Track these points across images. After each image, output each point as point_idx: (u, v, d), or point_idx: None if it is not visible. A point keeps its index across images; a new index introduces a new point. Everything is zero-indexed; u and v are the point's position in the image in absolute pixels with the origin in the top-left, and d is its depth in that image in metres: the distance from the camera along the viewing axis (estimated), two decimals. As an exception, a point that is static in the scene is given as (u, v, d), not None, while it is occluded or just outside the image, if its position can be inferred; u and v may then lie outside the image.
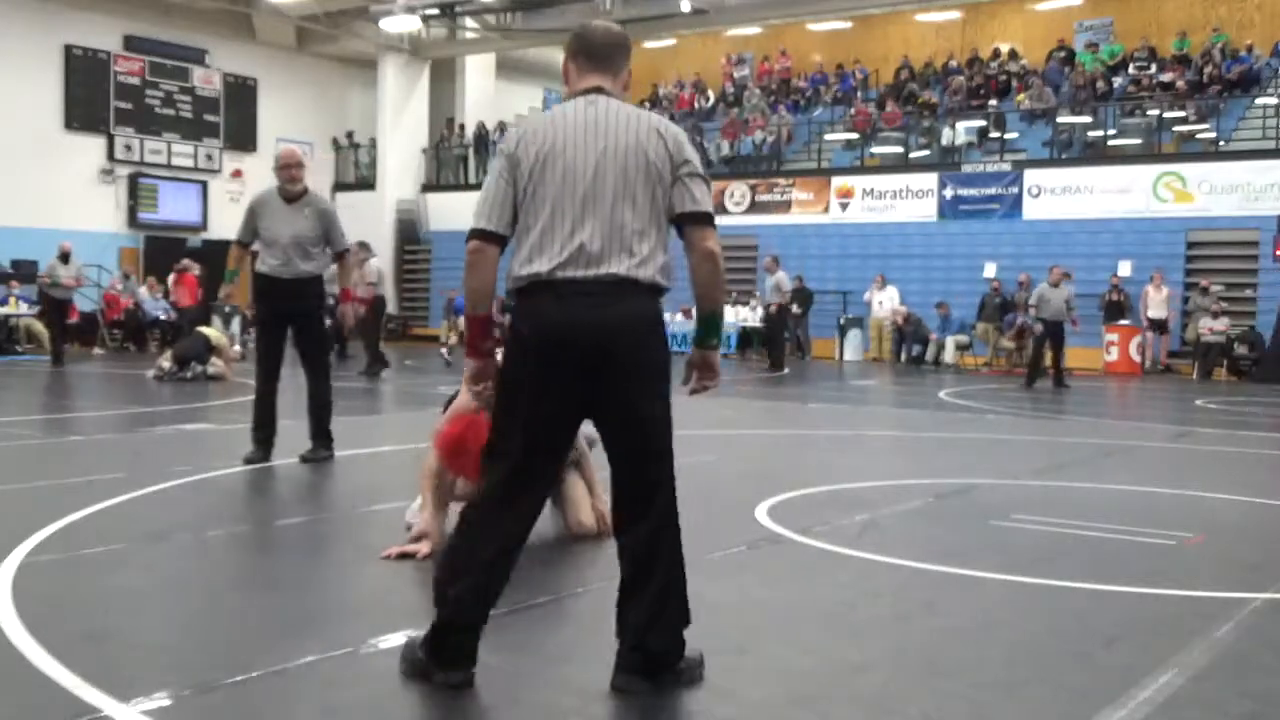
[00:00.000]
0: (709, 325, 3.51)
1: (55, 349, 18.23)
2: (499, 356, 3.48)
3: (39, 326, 19.54)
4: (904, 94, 26.46)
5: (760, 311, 24.23)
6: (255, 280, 7.83)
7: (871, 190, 24.26)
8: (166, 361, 15.16)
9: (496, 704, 3.34)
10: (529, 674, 3.58)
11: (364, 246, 18.43)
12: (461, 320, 19.35)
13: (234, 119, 28.55)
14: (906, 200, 23.77)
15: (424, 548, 5.03)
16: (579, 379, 3.30)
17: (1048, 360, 17.07)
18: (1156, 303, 20.38)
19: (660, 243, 3.37)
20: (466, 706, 3.32)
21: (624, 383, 3.33)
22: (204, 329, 15.97)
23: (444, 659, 3.38)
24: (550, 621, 4.19)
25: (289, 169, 7.74)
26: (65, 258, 18.32)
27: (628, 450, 3.40)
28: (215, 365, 15.10)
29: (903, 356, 22.51)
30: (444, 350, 19.83)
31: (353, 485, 7.43)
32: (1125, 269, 21.12)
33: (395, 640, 3.81)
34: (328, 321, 8.38)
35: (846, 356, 23.20)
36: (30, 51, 24.78)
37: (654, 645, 3.39)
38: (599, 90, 3.43)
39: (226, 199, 26.85)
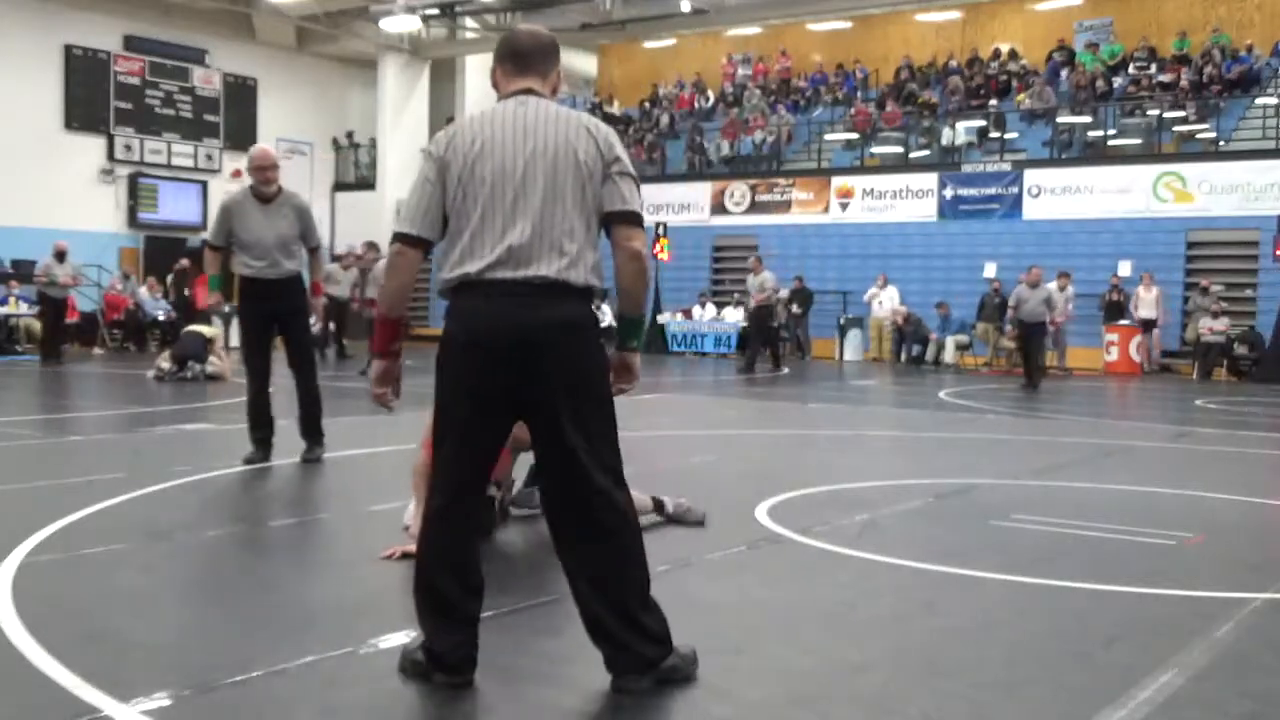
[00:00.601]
0: (630, 327, 3.54)
1: (47, 347, 18.23)
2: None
3: (39, 326, 19.54)
4: (904, 94, 26.46)
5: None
6: (239, 283, 7.81)
7: (871, 190, 24.26)
8: (166, 362, 15.16)
9: (497, 704, 3.34)
10: (529, 674, 3.58)
11: (372, 247, 18.47)
12: None
13: (234, 119, 28.56)
14: (906, 200, 23.78)
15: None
16: (508, 380, 3.27)
17: (1049, 360, 17.15)
18: (1146, 303, 20.40)
19: (590, 242, 3.35)
20: (467, 706, 3.32)
21: (552, 386, 3.28)
22: (198, 327, 15.94)
23: (444, 662, 3.38)
24: (551, 621, 4.19)
25: (264, 170, 7.72)
26: (61, 256, 18.32)
27: (558, 456, 3.33)
28: (214, 364, 15.10)
29: (903, 356, 22.52)
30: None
31: (352, 485, 7.43)
32: (1125, 269, 21.13)
33: (395, 640, 3.82)
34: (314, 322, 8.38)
35: (846, 356, 23.21)
36: (30, 51, 24.78)
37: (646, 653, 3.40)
38: (529, 92, 3.43)
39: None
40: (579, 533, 3.37)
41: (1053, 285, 16.56)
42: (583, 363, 3.32)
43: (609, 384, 3.42)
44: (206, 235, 8.02)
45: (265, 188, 7.71)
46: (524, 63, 3.47)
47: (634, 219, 3.38)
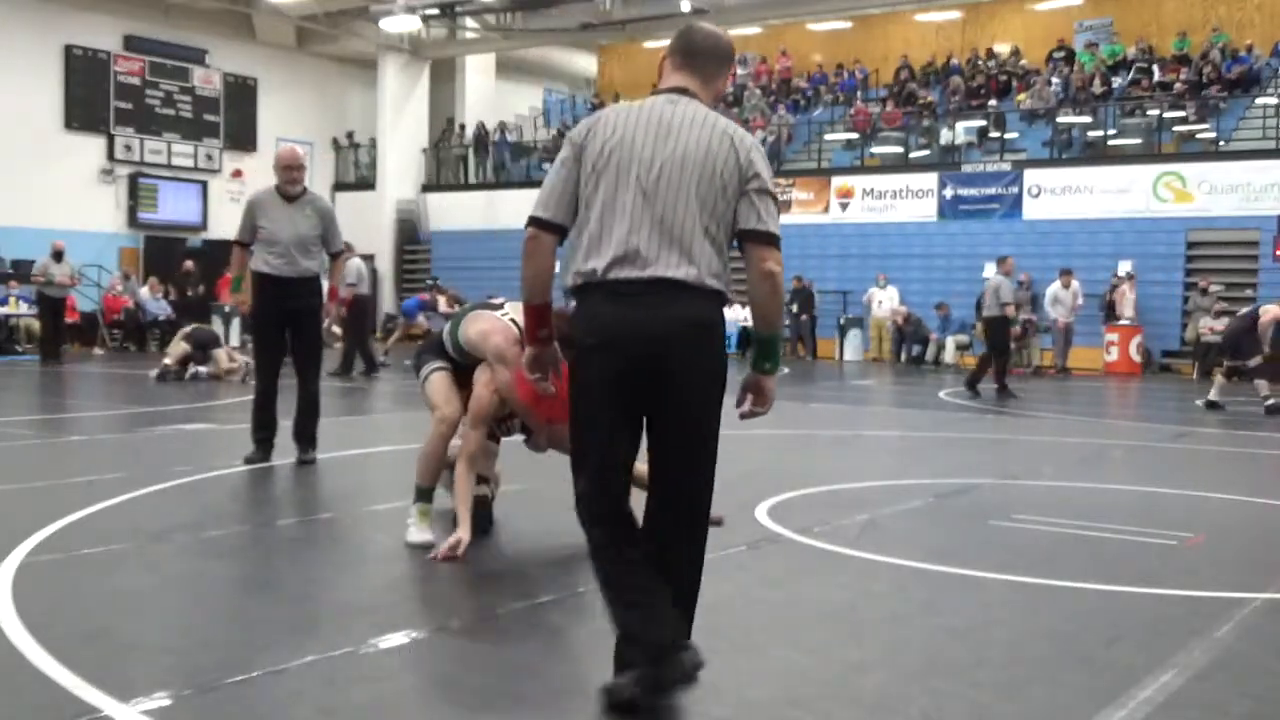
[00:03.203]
0: (765, 348, 3.39)
1: (46, 347, 18.23)
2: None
3: (38, 326, 19.54)
4: (904, 94, 26.47)
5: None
6: (255, 279, 7.83)
7: (871, 190, 24.26)
8: (169, 359, 15.18)
9: (499, 703, 3.33)
10: (531, 673, 3.58)
11: (347, 246, 18.31)
12: (409, 323, 19.09)
13: (234, 119, 28.56)
14: (906, 200, 23.78)
15: (463, 540, 5.04)
16: (633, 382, 3.21)
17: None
18: (1130, 302, 20.38)
19: (717, 252, 3.26)
20: (469, 706, 3.32)
21: (674, 388, 3.23)
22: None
23: (666, 664, 3.22)
24: (552, 621, 4.19)
25: (290, 169, 7.75)
26: (59, 256, 18.31)
27: (669, 460, 3.31)
28: (217, 363, 15.10)
29: (903, 356, 22.52)
30: (383, 358, 18.14)
31: (352, 485, 7.43)
32: (1125, 269, 21.13)
33: (395, 640, 3.82)
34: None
35: (846, 356, 23.21)
36: (30, 51, 24.78)
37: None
38: (683, 91, 3.34)
39: (226, 199, 26.85)
40: (676, 534, 3.34)
41: (998, 277, 15.09)
42: (705, 361, 3.27)
43: (723, 391, 3.35)
44: (234, 235, 8.01)
45: (290, 187, 7.74)
46: (690, 60, 3.39)
47: (768, 239, 3.27)
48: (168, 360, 15.19)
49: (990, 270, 21.72)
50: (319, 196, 8.12)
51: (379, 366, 16.50)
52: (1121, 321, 20.39)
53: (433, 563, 4.98)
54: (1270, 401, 13.09)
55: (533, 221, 3.26)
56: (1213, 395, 13.65)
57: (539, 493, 6.26)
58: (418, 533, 5.28)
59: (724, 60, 3.43)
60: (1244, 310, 14.63)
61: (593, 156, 3.22)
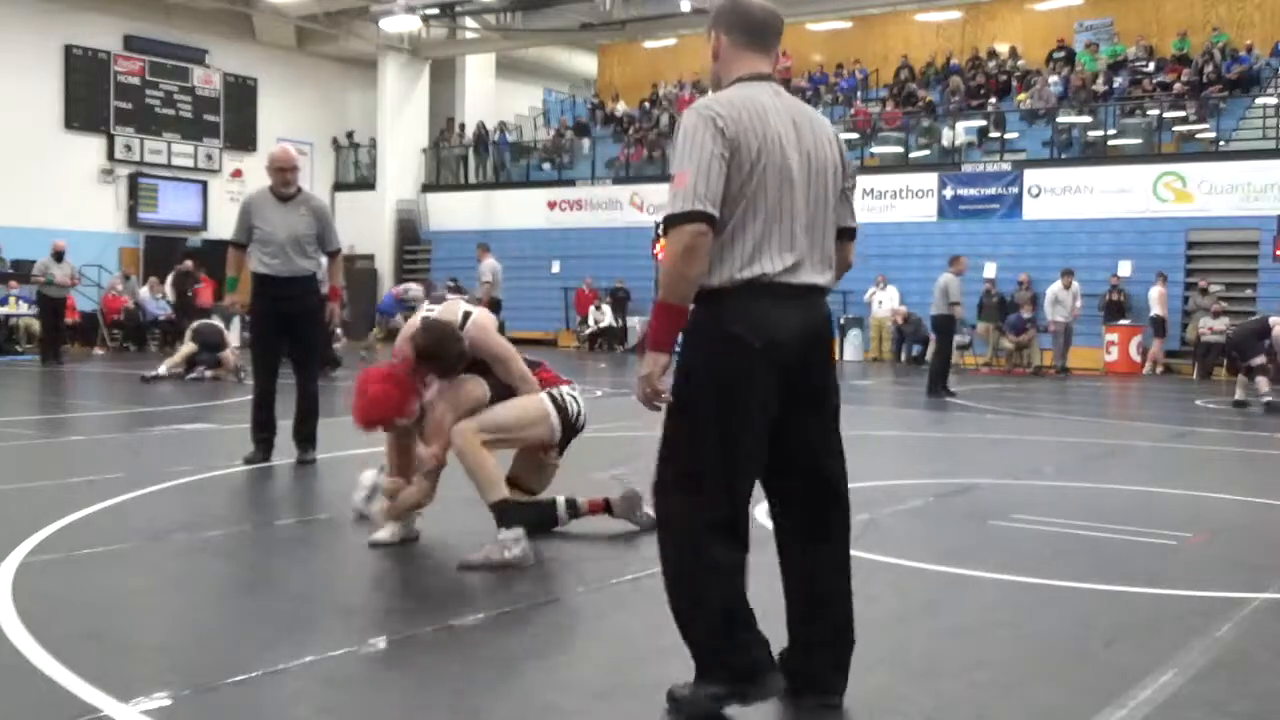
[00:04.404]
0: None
1: (45, 348, 18.22)
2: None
3: (39, 326, 19.54)
4: (904, 94, 26.47)
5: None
6: (253, 280, 7.83)
7: (871, 190, 24.25)
8: (175, 359, 15.16)
9: (498, 704, 3.33)
10: (530, 674, 3.58)
11: (480, 247, 18.65)
12: (389, 321, 18.94)
13: (234, 119, 28.56)
14: (906, 200, 23.78)
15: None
16: (786, 381, 3.15)
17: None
18: (1163, 301, 20.33)
19: (834, 248, 3.33)
20: (468, 706, 3.32)
21: (818, 386, 3.24)
22: (215, 322, 15.84)
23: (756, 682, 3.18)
24: (552, 622, 4.19)
25: (284, 170, 7.74)
26: (59, 256, 18.30)
27: (819, 458, 3.29)
28: (225, 364, 15.07)
29: (903, 356, 22.51)
30: (364, 354, 18.46)
31: (352, 485, 7.41)
32: (1125, 269, 21.13)
33: (395, 640, 3.82)
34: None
35: (846, 356, 23.19)
36: (30, 51, 24.77)
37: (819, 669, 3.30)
38: (768, 77, 3.22)
39: (226, 199, 26.84)
40: (814, 533, 3.34)
41: (947, 275, 14.85)
42: (832, 363, 3.32)
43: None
44: (230, 236, 8.01)
45: (284, 188, 7.73)
46: (762, 41, 3.25)
47: (854, 235, 3.43)
48: (174, 360, 15.13)
49: (990, 270, 21.81)
50: (314, 196, 8.12)
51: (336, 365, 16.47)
52: (1154, 315, 20.33)
53: (431, 563, 4.98)
54: (1268, 399, 13.12)
55: (705, 218, 3.01)
56: (1239, 395, 13.81)
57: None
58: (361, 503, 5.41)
59: (780, 35, 3.33)
60: (1253, 317, 14.64)
61: (749, 154, 3.07)
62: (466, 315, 5.26)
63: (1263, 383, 13.29)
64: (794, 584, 3.36)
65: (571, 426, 5.41)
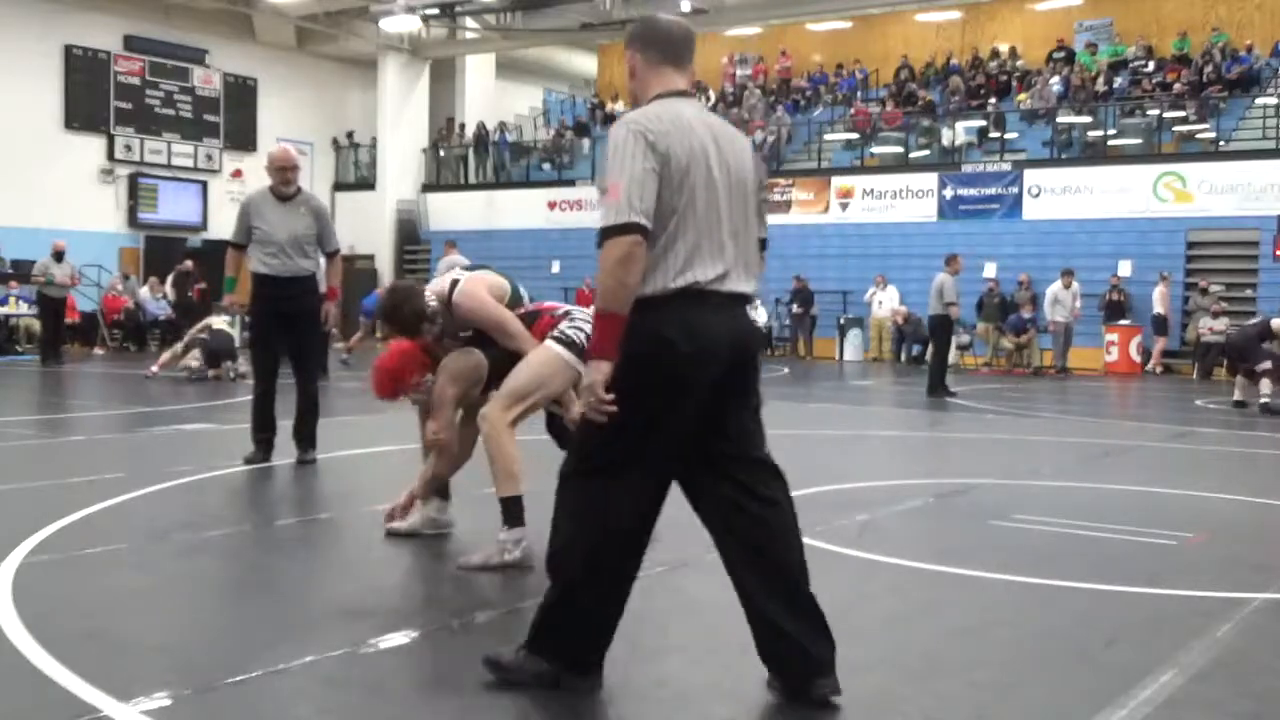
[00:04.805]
0: None
1: (45, 348, 18.21)
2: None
3: (39, 326, 19.54)
4: (904, 94, 26.47)
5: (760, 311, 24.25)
6: (253, 280, 7.82)
7: (871, 190, 24.27)
8: (195, 360, 15.04)
9: (497, 704, 3.33)
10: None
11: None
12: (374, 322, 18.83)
13: (234, 119, 28.55)
14: (906, 200, 23.78)
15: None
16: (716, 388, 3.26)
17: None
18: (1166, 300, 20.34)
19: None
20: (469, 706, 3.32)
21: (746, 390, 3.38)
22: (221, 324, 15.60)
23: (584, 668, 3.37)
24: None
25: (285, 170, 7.74)
26: (59, 256, 18.30)
27: (748, 450, 3.39)
28: (235, 369, 14.98)
29: (903, 356, 22.51)
30: (345, 356, 18.38)
31: (352, 485, 7.43)
32: (1125, 269, 21.13)
33: (395, 640, 3.82)
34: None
35: (846, 356, 23.20)
36: (30, 51, 24.76)
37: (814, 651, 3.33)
38: (688, 94, 3.35)
39: (226, 199, 26.83)
40: (746, 517, 3.36)
41: (942, 275, 14.76)
42: (756, 366, 3.44)
43: None
44: (229, 236, 8.01)
45: (284, 188, 7.73)
46: (676, 58, 3.36)
47: (765, 245, 3.61)
48: (192, 363, 15.01)
49: (990, 270, 21.80)
50: (313, 196, 8.11)
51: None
52: (1155, 314, 20.33)
53: (431, 563, 4.98)
54: (1265, 401, 13.12)
55: (640, 229, 3.11)
56: (1238, 395, 13.80)
57: (539, 494, 6.24)
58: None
59: (693, 48, 3.43)
60: (1252, 319, 14.57)
61: (678, 167, 3.17)
62: (454, 284, 5.22)
63: (1266, 384, 13.29)
64: (747, 570, 3.37)
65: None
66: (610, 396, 3.14)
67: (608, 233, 3.13)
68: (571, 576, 3.30)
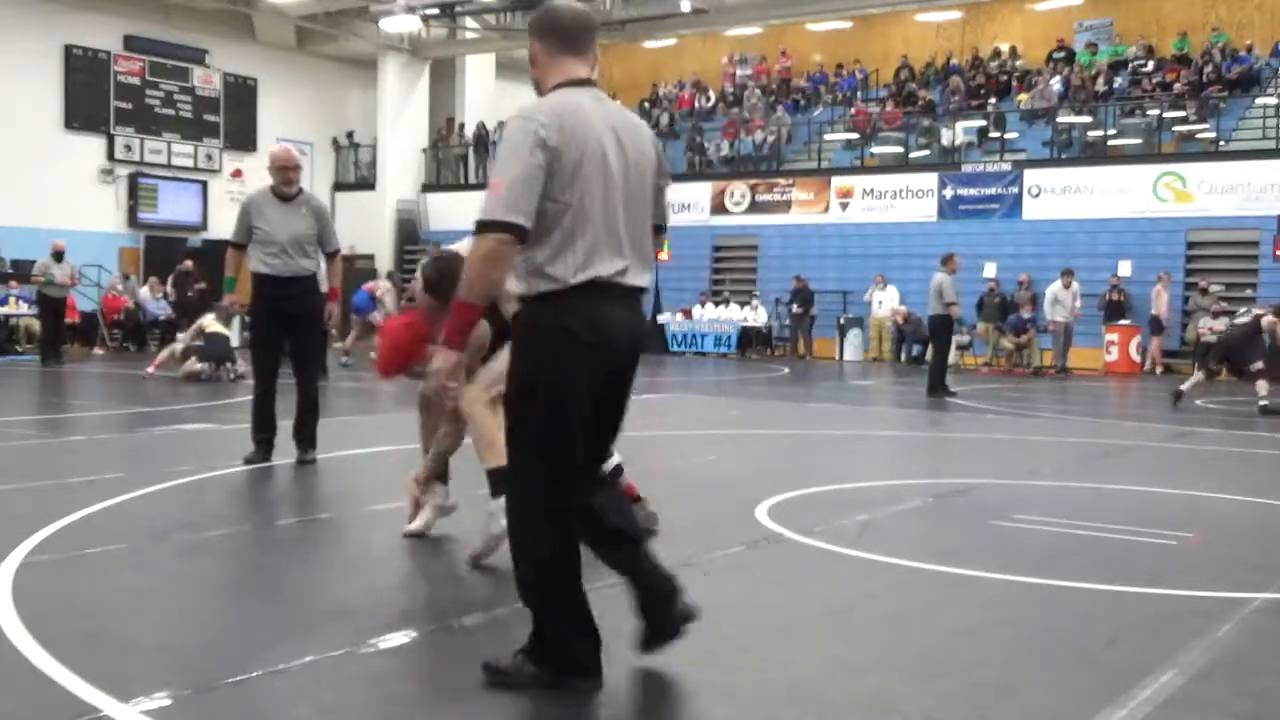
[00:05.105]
0: None
1: (45, 348, 18.20)
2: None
3: (39, 326, 19.54)
4: (904, 94, 26.47)
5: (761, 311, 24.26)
6: (253, 280, 7.82)
7: (871, 190, 24.27)
8: (198, 364, 15.02)
9: (497, 704, 3.33)
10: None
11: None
12: (364, 317, 18.82)
13: (234, 119, 28.55)
14: (906, 200, 23.78)
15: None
16: (611, 380, 3.36)
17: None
18: (1164, 302, 20.34)
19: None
20: (466, 706, 3.32)
21: (629, 384, 3.47)
22: (217, 327, 15.59)
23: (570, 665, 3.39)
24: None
25: (286, 170, 7.74)
26: (59, 256, 18.29)
27: (603, 448, 3.53)
28: (234, 370, 14.98)
29: (903, 356, 22.51)
30: (345, 359, 18.32)
31: (352, 485, 7.43)
32: (1125, 269, 21.13)
33: (395, 640, 3.82)
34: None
35: (846, 356, 23.20)
36: (30, 51, 24.76)
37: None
38: (589, 82, 3.37)
39: (226, 199, 26.83)
40: (611, 500, 3.59)
41: (941, 275, 14.69)
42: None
43: None
44: (229, 236, 8.01)
45: (286, 188, 7.73)
46: (576, 46, 3.37)
47: (663, 231, 3.64)
48: (195, 367, 15.00)
49: (990, 270, 21.81)
50: (314, 196, 8.11)
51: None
52: (1153, 315, 20.32)
53: (431, 563, 4.98)
54: (1264, 403, 13.10)
55: (514, 229, 3.16)
56: (1185, 386, 13.73)
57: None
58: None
59: (594, 34, 3.45)
60: (1241, 318, 14.46)
61: (572, 159, 3.19)
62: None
63: (1262, 385, 13.27)
64: (598, 534, 3.51)
65: None
66: (455, 384, 3.37)
67: (481, 226, 3.19)
68: (533, 585, 3.38)
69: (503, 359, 5.03)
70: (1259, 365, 13.28)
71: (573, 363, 3.24)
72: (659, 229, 3.54)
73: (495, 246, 3.16)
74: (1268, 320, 13.31)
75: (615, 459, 5.50)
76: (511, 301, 5.11)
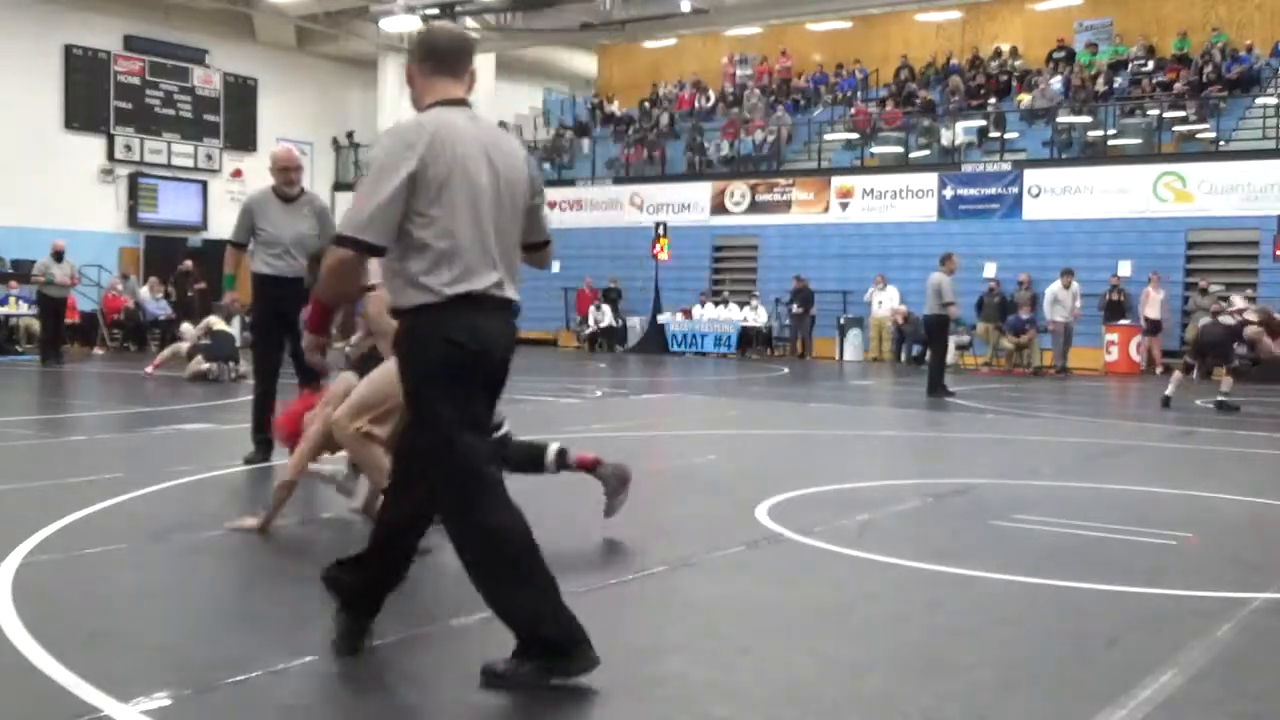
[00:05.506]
0: None
1: (45, 348, 18.20)
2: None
3: (39, 326, 19.53)
4: (904, 94, 26.47)
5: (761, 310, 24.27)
6: (255, 281, 7.82)
7: (871, 190, 24.27)
8: (203, 365, 15.00)
9: (497, 704, 3.33)
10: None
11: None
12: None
13: (234, 119, 28.55)
14: (906, 200, 23.79)
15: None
16: (486, 386, 3.47)
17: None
18: (1154, 303, 20.39)
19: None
20: (468, 706, 3.32)
21: (499, 395, 3.58)
22: (221, 326, 15.55)
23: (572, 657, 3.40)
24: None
25: (288, 170, 7.74)
26: (59, 256, 18.28)
27: None
28: (235, 369, 14.95)
29: (903, 356, 22.51)
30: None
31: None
32: (1125, 269, 21.14)
33: (395, 640, 3.82)
34: None
35: (846, 356, 23.20)
36: (30, 51, 24.77)
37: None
38: (464, 102, 3.50)
39: (226, 199, 26.82)
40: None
41: (938, 275, 14.62)
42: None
43: None
44: (229, 235, 8.01)
45: (288, 188, 7.73)
46: (451, 67, 3.52)
47: (550, 246, 3.80)
48: (201, 367, 14.97)
49: (990, 270, 21.81)
50: (316, 196, 8.11)
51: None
52: (1147, 317, 20.32)
53: (430, 563, 4.97)
54: (1222, 398, 13.14)
55: (360, 246, 3.29)
56: (1169, 390, 13.74)
57: (537, 492, 6.24)
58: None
59: (471, 56, 3.59)
60: (1225, 316, 14.34)
61: (437, 180, 3.30)
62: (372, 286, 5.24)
63: (1227, 381, 13.31)
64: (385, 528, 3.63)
65: None
66: (322, 361, 3.80)
67: (336, 239, 3.38)
68: (496, 579, 3.41)
69: (363, 385, 5.26)
70: (1235, 364, 13.32)
71: (460, 370, 3.36)
72: (545, 243, 3.73)
73: (341, 261, 3.33)
74: (1252, 331, 13.29)
75: (555, 446, 5.63)
76: (388, 341, 5.19)
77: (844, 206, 24.54)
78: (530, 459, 5.55)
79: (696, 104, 29.86)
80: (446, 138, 3.32)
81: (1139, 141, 22.49)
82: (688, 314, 24.98)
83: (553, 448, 5.59)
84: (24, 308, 20.63)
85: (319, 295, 3.57)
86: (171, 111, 27.46)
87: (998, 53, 26.93)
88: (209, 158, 28.10)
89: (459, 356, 3.34)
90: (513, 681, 3.37)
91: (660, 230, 24.44)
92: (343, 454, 5.65)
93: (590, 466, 5.63)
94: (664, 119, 29.25)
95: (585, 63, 34.15)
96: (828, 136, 26.45)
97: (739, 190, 25.77)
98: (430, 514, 3.59)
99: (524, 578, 3.36)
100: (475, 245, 3.34)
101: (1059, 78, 24.89)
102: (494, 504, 3.38)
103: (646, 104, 30.51)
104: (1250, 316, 13.68)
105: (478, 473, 3.39)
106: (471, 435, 3.39)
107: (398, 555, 3.62)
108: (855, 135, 25.94)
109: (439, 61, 3.49)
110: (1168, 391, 13.71)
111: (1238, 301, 14.24)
